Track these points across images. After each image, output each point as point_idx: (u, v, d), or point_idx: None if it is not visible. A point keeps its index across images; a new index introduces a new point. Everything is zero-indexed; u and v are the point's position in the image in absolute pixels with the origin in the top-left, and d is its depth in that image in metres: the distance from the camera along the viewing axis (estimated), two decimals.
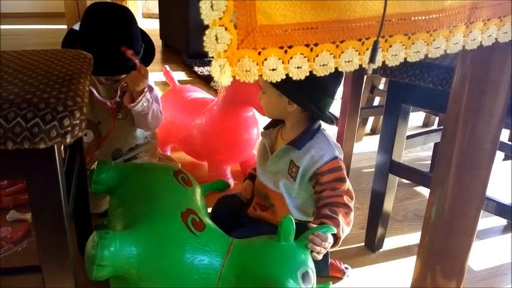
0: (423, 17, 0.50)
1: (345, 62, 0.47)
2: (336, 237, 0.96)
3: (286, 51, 0.43)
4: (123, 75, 1.33)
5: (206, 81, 2.76)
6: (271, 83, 1.02)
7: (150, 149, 1.47)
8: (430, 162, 1.81)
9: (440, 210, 0.75)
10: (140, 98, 1.25)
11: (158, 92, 1.44)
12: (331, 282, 1.01)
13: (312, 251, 0.91)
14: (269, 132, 1.15)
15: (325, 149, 1.04)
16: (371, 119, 2.16)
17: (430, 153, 1.84)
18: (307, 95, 0.99)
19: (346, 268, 1.16)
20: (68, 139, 0.64)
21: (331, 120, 1.05)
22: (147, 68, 1.27)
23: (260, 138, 1.20)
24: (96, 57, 1.01)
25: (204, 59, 3.22)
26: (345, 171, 1.05)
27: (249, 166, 1.61)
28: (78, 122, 0.65)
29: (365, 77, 1.74)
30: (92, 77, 1.34)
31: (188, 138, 1.59)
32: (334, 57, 0.46)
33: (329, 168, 1.03)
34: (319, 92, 1.00)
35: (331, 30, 0.45)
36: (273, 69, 0.42)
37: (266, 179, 1.12)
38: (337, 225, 0.97)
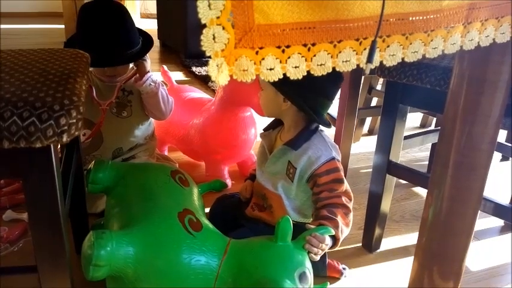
0: (421, 17, 0.50)
1: (343, 61, 0.47)
2: (335, 238, 0.96)
3: (283, 51, 0.43)
4: (123, 76, 1.38)
5: (204, 81, 2.76)
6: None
7: (148, 148, 1.47)
8: (427, 162, 1.81)
9: (437, 210, 0.75)
10: (146, 76, 1.32)
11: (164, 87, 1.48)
12: (328, 283, 1.00)
13: (309, 252, 0.91)
14: (268, 133, 1.15)
15: (322, 150, 1.03)
16: (368, 120, 2.16)
17: (428, 153, 1.84)
18: (302, 94, 0.99)
19: (344, 268, 1.16)
20: (65, 138, 0.64)
21: (324, 123, 1.05)
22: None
23: (258, 138, 1.19)
24: (96, 48, 1.10)
25: (202, 59, 3.21)
26: (342, 172, 1.05)
27: (247, 166, 1.61)
28: (74, 121, 0.64)
29: (363, 77, 1.74)
30: (94, 76, 1.36)
31: (186, 138, 1.59)
32: (331, 57, 0.46)
33: (326, 170, 1.02)
34: (314, 92, 1.00)
35: (328, 30, 0.45)
36: (271, 69, 0.42)
37: (265, 180, 1.12)
38: (336, 227, 0.96)
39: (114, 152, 1.40)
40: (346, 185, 1.04)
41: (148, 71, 1.34)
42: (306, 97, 1.00)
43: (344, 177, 1.05)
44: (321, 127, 1.08)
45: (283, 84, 0.98)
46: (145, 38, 1.36)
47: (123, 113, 1.38)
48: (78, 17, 1.28)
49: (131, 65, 1.42)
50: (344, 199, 1.02)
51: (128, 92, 1.39)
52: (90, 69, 1.33)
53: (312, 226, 0.95)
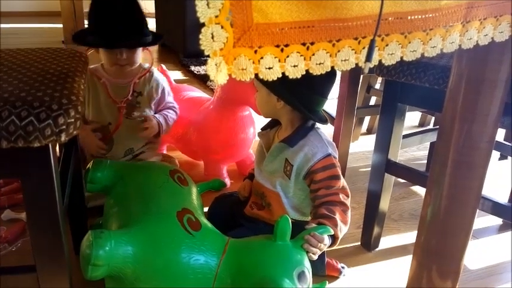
0: (419, 16, 0.50)
1: (342, 60, 0.47)
2: (334, 237, 0.96)
3: (282, 50, 0.43)
4: (133, 72, 1.40)
5: (203, 81, 2.75)
6: (261, 80, 1.02)
7: (155, 145, 1.51)
8: (426, 161, 1.81)
9: (436, 209, 0.75)
10: (155, 129, 1.38)
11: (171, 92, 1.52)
12: (327, 282, 1.00)
13: (307, 252, 0.91)
14: (266, 132, 1.15)
15: (318, 147, 1.04)
16: (367, 119, 2.16)
17: (426, 152, 1.84)
18: (295, 92, 0.99)
19: (343, 267, 1.16)
20: (63, 138, 0.64)
21: (320, 119, 1.05)
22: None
23: (257, 137, 1.20)
24: (112, 30, 1.20)
25: (200, 58, 3.21)
26: (339, 169, 1.05)
27: (246, 165, 1.61)
28: (73, 120, 0.64)
29: (361, 76, 1.74)
30: (103, 77, 1.36)
31: (184, 138, 1.59)
32: (330, 56, 0.46)
33: (322, 166, 1.03)
34: (308, 90, 1.00)
35: (327, 29, 0.45)
36: (269, 68, 0.42)
37: (263, 179, 1.12)
38: (335, 225, 0.97)
39: (125, 152, 1.42)
40: (343, 181, 1.04)
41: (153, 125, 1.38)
42: (299, 95, 1.00)
43: (341, 174, 1.05)
44: (318, 124, 1.08)
45: (275, 84, 0.97)
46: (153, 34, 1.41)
47: (133, 114, 1.40)
48: (92, 4, 1.29)
49: (139, 62, 1.42)
50: (342, 196, 1.02)
51: (138, 93, 1.40)
52: (98, 66, 1.34)
53: (312, 225, 0.95)
